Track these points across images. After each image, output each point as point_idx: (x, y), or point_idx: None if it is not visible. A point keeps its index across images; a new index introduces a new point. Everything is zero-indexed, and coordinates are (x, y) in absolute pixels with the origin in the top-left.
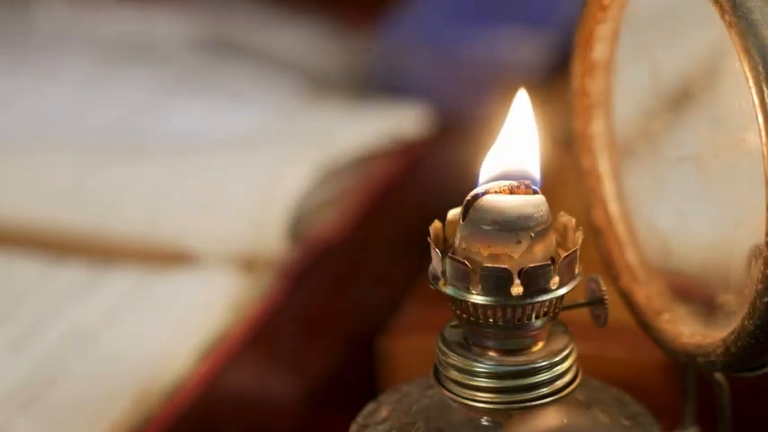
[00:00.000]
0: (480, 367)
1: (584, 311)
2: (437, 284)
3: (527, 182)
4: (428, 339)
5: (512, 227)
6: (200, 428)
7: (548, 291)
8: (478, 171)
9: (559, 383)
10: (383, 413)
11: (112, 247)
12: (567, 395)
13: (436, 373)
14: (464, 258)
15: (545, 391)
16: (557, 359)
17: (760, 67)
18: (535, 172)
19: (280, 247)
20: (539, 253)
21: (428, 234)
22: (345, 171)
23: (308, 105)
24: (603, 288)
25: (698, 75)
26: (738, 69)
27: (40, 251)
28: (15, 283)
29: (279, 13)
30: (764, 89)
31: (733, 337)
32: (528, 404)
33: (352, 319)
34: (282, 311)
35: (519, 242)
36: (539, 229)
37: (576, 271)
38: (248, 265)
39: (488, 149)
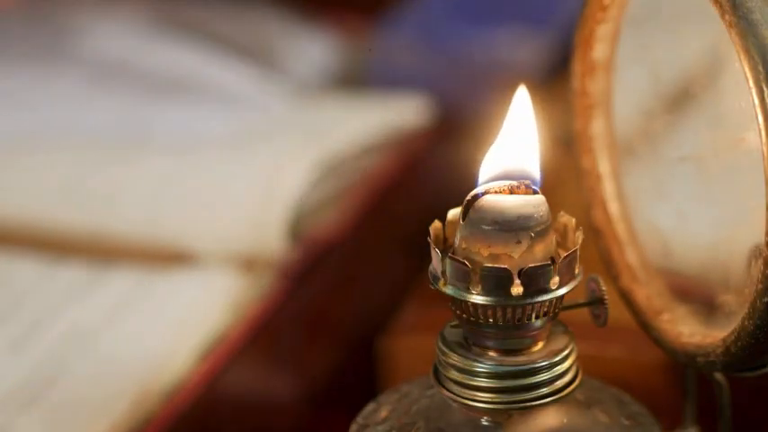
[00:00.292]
0: (480, 367)
1: (584, 311)
2: (437, 284)
3: (527, 182)
4: (428, 339)
5: (512, 227)
6: (200, 428)
7: (548, 291)
8: (478, 170)
9: (559, 383)
10: (383, 413)
11: (112, 247)
12: (567, 395)
13: (436, 373)
14: (464, 258)
15: (545, 391)
16: (557, 359)
17: (760, 67)
18: (535, 172)
19: (280, 247)
20: (539, 253)
21: (428, 234)
22: (346, 166)
23: (309, 103)
24: (603, 288)
25: (698, 75)
26: (738, 69)
27: (40, 251)
28: (15, 283)
29: (279, 13)
30: (764, 89)
31: (733, 337)
32: (528, 404)
33: (352, 318)
34: (282, 311)
35: (519, 242)
36: (539, 229)
37: (576, 271)
38: (248, 264)
39: (488, 148)
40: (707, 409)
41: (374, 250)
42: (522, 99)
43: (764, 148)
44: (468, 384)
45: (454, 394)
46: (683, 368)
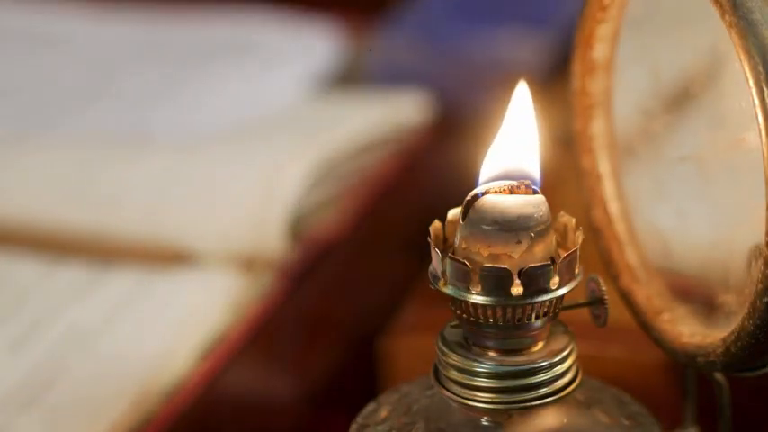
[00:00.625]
0: (480, 367)
1: (584, 311)
2: (437, 284)
3: (527, 182)
4: (428, 339)
5: (512, 227)
6: (200, 428)
7: (548, 291)
8: (478, 170)
9: (559, 383)
10: (383, 413)
11: (112, 247)
12: (567, 395)
13: (436, 373)
14: (464, 258)
15: (545, 391)
16: (557, 359)
17: (760, 68)
18: (535, 172)
19: (280, 246)
20: (539, 253)
21: (428, 234)
22: (346, 165)
23: (309, 102)
24: (603, 288)
25: (698, 75)
26: (738, 69)
27: (40, 251)
28: (15, 283)
29: (280, 12)
30: (764, 89)
31: (733, 337)
32: (528, 404)
33: (352, 319)
34: (282, 311)
35: (519, 242)
36: (539, 229)
37: (576, 271)
38: (248, 264)
39: (489, 147)
40: (707, 409)
41: (374, 250)
42: (522, 95)
43: (764, 148)
44: (468, 384)
45: (454, 394)
46: (683, 368)
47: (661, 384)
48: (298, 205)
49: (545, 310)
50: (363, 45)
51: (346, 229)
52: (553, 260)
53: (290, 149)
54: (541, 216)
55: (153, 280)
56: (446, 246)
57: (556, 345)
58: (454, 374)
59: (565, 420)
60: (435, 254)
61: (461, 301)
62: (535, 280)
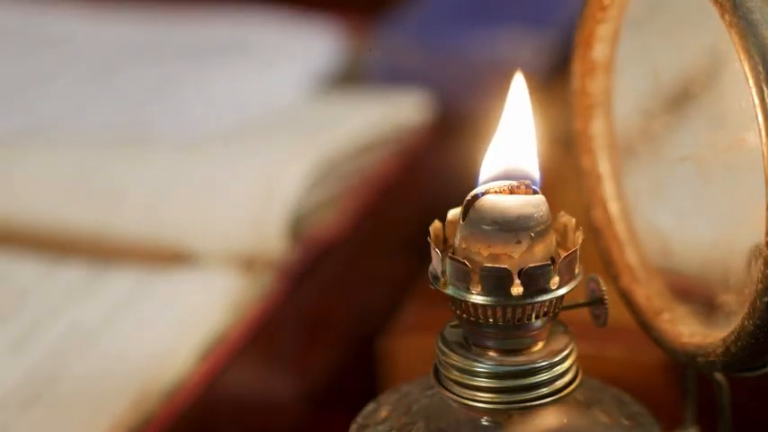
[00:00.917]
0: (480, 367)
1: (584, 311)
2: (437, 284)
3: (527, 182)
4: (428, 339)
5: (512, 227)
6: (200, 428)
7: (548, 291)
8: (478, 169)
9: (559, 383)
10: (383, 413)
11: (113, 247)
12: (566, 395)
13: (436, 373)
14: (464, 258)
15: (545, 391)
16: (557, 359)
17: (760, 67)
18: (535, 172)
19: (280, 246)
20: (539, 253)
21: (428, 234)
22: (346, 165)
23: (309, 102)
24: (603, 288)
25: (698, 75)
26: (738, 69)
27: (40, 251)
28: (15, 283)
29: (280, 11)
30: (764, 89)
31: (733, 337)
32: (528, 404)
33: (352, 319)
34: (282, 311)
35: (519, 242)
36: (539, 229)
37: (576, 271)
38: (248, 264)
39: (488, 144)
40: (707, 409)
41: (374, 250)
42: (518, 88)
43: (764, 148)
44: (469, 384)
45: (454, 394)
46: (683, 368)
47: (661, 384)
48: (298, 205)
49: (545, 310)
50: (363, 45)
51: (346, 229)
52: (553, 260)
53: (290, 149)
54: (541, 216)
55: (153, 280)
56: (446, 246)
57: (556, 345)
58: (454, 374)
59: (565, 420)
60: (435, 254)
61: (461, 301)
62: (535, 280)
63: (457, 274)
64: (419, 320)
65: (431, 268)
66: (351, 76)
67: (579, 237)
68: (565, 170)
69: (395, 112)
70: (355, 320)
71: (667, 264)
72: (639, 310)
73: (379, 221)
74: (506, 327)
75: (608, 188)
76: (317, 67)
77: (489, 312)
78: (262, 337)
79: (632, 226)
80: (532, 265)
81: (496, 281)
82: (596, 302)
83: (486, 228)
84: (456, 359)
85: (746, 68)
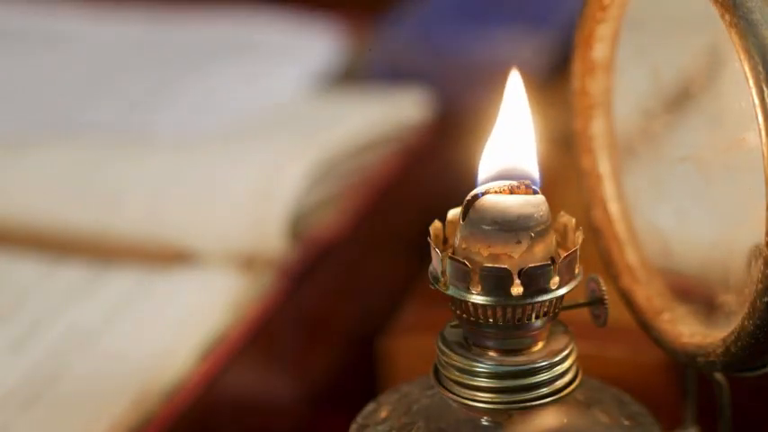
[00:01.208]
0: (480, 367)
1: (584, 311)
2: (437, 284)
3: (527, 182)
4: (428, 339)
5: (512, 227)
6: (200, 428)
7: (548, 291)
8: (477, 168)
9: (559, 383)
10: (383, 413)
11: (112, 247)
12: (567, 395)
13: (436, 373)
14: (464, 258)
15: (545, 391)
16: (557, 359)
17: (760, 67)
18: (535, 172)
19: (280, 246)
20: (539, 253)
21: (428, 234)
22: (346, 164)
23: (309, 100)
24: (603, 288)
25: (698, 75)
26: (738, 69)
27: (40, 251)
28: (15, 283)
29: (280, 11)
30: (764, 89)
31: (733, 337)
32: (528, 404)
33: (352, 319)
34: (282, 311)
35: (519, 242)
36: (539, 229)
37: (576, 271)
38: (248, 263)
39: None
40: (707, 409)
41: (374, 250)
42: (515, 85)
43: (764, 148)
44: (469, 384)
45: (454, 394)
46: (683, 368)
47: (661, 384)
48: (298, 204)
49: (545, 310)
50: (363, 44)
51: (346, 228)
52: (553, 260)
53: (290, 148)
54: (541, 216)
55: (153, 280)
56: (446, 246)
57: (556, 345)
58: (454, 374)
59: (565, 420)
60: (435, 254)
61: (461, 301)
62: (535, 280)
63: (457, 274)
64: (419, 320)
65: (431, 268)
66: (351, 76)
67: (579, 237)
68: (565, 170)
69: (395, 112)
70: (355, 320)
71: (667, 264)
72: (639, 310)
73: (379, 221)
74: (506, 327)
75: (608, 188)
76: (318, 67)
77: (489, 312)
78: (262, 337)
79: (632, 226)
80: (532, 265)
81: (496, 281)
82: (596, 302)
83: (487, 228)
84: (456, 359)
85: (746, 68)
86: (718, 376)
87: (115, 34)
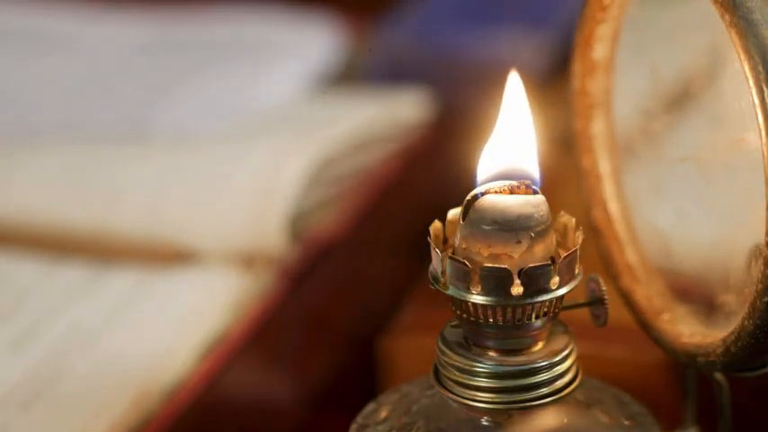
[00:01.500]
0: (480, 367)
1: (584, 311)
2: (437, 284)
3: (527, 182)
4: (428, 339)
5: (512, 227)
6: (200, 428)
7: (548, 291)
8: (475, 169)
9: (559, 383)
10: (383, 413)
11: (112, 246)
12: (567, 395)
13: (436, 373)
14: (464, 258)
15: (545, 391)
16: (557, 359)
17: (760, 67)
18: (535, 172)
19: (280, 244)
20: (539, 253)
21: (428, 234)
22: (346, 162)
23: (309, 100)
24: (603, 288)
25: (698, 75)
26: (738, 69)
27: (40, 251)
28: (16, 282)
29: (280, 10)
30: (764, 89)
31: (733, 337)
32: (528, 404)
33: (352, 318)
34: (282, 311)
35: (519, 242)
36: (539, 229)
37: (576, 271)
38: (248, 262)
39: (485, 143)
40: (707, 409)
41: (374, 250)
42: (514, 86)
43: (764, 148)
44: (469, 384)
45: (454, 394)
46: (683, 368)
47: (661, 384)
48: (297, 204)
49: (545, 310)
50: (363, 44)
51: (346, 229)
52: (553, 260)
53: (290, 147)
54: (541, 216)
55: (153, 279)
56: (446, 246)
57: (556, 345)
58: (454, 374)
59: (565, 420)
60: (435, 254)
61: (461, 301)
62: (535, 280)
63: (457, 274)
64: (419, 320)
65: (431, 268)
66: (350, 75)
67: (579, 237)
68: (565, 170)
69: (394, 111)
70: (355, 320)
71: (667, 264)
72: (639, 310)
73: (379, 221)
74: (506, 327)
75: (608, 188)
76: (317, 66)
77: (489, 312)
78: (262, 336)
79: (632, 226)
80: (532, 265)
81: (496, 281)
82: (596, 302)
83: (487, 228)
84: (456, 359)
85: (746, 68)
86: (718, 376)
87: (116, 34)
